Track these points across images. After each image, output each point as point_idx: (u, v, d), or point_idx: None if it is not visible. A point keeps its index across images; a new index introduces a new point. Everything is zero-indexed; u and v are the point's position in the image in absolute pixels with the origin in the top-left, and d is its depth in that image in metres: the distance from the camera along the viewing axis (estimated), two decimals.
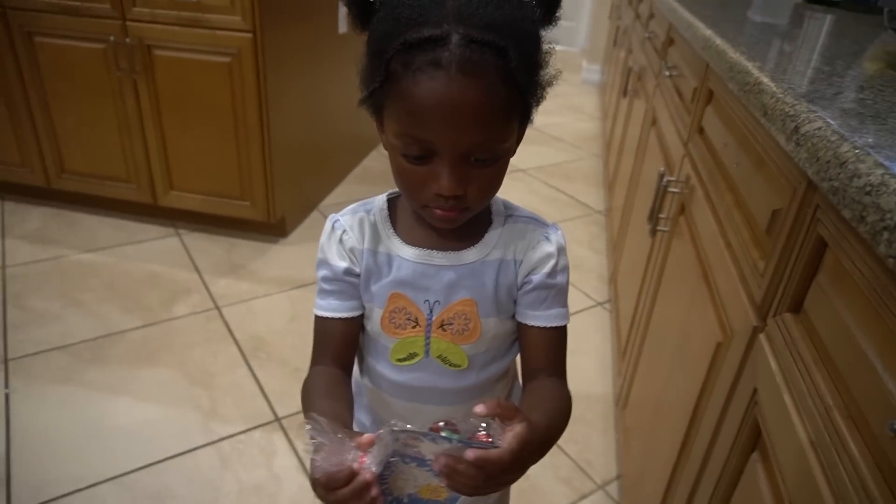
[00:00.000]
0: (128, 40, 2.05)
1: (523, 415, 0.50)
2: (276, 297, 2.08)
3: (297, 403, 1.64)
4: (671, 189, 1.23)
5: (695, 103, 1.19)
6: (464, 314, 0.66)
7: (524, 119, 0.60)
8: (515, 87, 0.54)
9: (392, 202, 0.70)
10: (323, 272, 0.69)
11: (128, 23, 2.03)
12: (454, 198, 0.57)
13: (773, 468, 0.60)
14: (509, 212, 0.70)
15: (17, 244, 2.26)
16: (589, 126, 4.07)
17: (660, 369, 1.18)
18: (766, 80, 0.73)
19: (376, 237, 0.68)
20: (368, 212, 0.69)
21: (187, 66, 2.06)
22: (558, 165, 3.36)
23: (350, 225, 0.69)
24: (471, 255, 0.66)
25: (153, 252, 2.29)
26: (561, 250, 0.68)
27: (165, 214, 2.47)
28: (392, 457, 0.50)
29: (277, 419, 1.59)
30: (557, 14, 0.59)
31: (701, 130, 1.14)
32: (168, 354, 1.79)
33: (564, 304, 0.69)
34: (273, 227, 2.40)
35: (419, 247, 0.66)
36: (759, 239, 0.75)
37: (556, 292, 0.68)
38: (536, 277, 0.67)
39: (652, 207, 1.29)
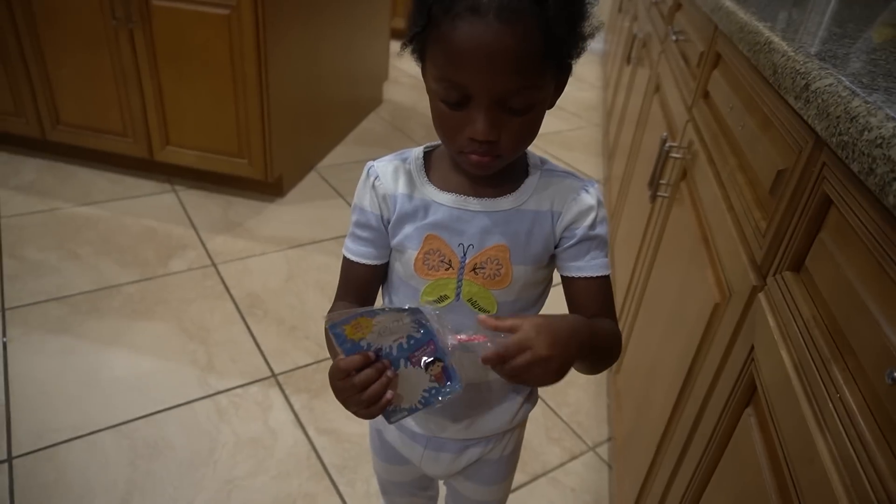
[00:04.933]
0: None
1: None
2: (272, 255, 2.09)
3: (293, 360, 1.66)
4: (673, 155, 1.22)
5: (701, 67, 1.18)
6: (496, 259, 0.67)
7: (562, 70, 0.61)
8: (552, 36, 0.54)
9: (428, 154, 0.71)
10: (356, 216, 0.72)
11: None
12: (487, 143, 0.59)
13: (766, 421, 0.62)
14: (546, 165, 0.71)
15: (12, 195, 2.25)
16: (590, 95, 4.04)
17: (654, 334, 1.20)
18: (776, 39, 0.72)
19: (411, 184, 0.69)
20: (405, 160, 0.71)
21: (185, 17, 2.02)
22: (558, 134, 3.35)
23: (384, 172, 0.70)
24: (506, 202, 0.67)
25: (149, 207, 2.28)
26: (600, 203, 0.69)
27: (161, 170, 2.45)
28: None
29: (274, 375, 1.61)
30: None
31: (706, 95, 1.14)
32: (165, 309, 1.79)
33: (605, 255, 0.70)
34: (270, 186, 2.38)
35: (455, 193, 0.68)
36: (761, 200, 0.75)
37: (597, 243, 0.69)
38: (579, 230, 0.68)
39: (653, 173, 1.29)
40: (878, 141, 0.45)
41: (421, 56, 0.61)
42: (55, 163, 2.49)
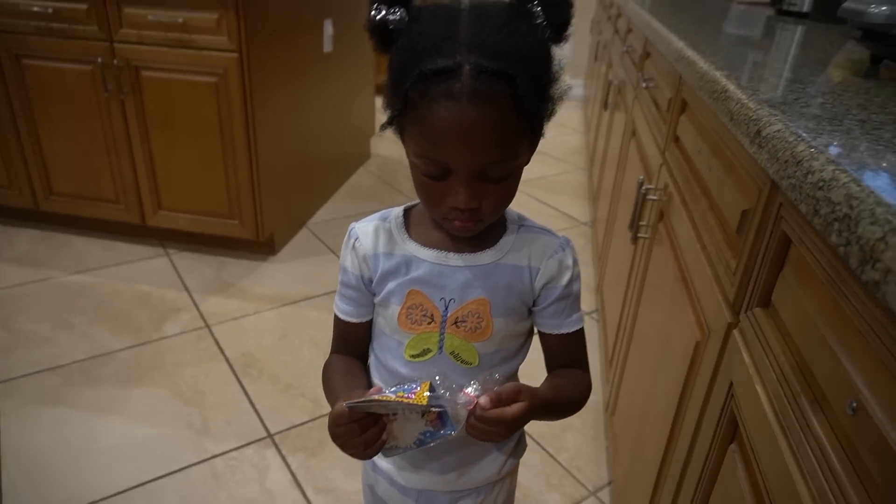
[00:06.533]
0: (115, 62, 2.07)
1: (526, 397, 0.63)
2: (266, 314, 2.10)
3: (289, 419, 1.65)
4: (650, 197, 1.26)
5: (670, 113, 1.23)
6: (477, 312, 0.70)
7: (535, 135, 0.64)
8: (524, 111, 0.58)
9: (408, 211, 0.75)
10: (340, 276, 0.76)
11: (115, 44, 2.06)
12: (469, 210, 0.62)
13: (749, 457, 0.63)
14: (522, 221, 0.74)
15: (6, 267, 2.26)
16: (573, 140, 4.13)
17: (645, 374, 1.21)
18: (732, 87, 0.76)
19: (392, 242, 0.72)
20: (385, 219, 0.74)
21: (174, 86, 2.09)
22: (544, 179, 3.41)
23: (364, 233, 0.73)
24: (485, 257, 0.70)
25: (143, 272, 2.29)
26: (575, 261, 0.73)
27: (154, 234, 2.48)
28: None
29: (270, 435, 1.60)
30: (567, 33, 0.63)
31: (677, 139, 1.18)
32: (159, 374, 1.79)
33: (579, 308, 0.75)
34: (262, 245, 2.41)
35: (436, 248, 0.70)
36: (730, 239, 0.78)
37: (573, 300, 0.74)
38: (556, 289, 0.72)
39: (632, 215, 1.32)
40: (820, 184, 0.47)
41: (401, 133, 0.64)
42: (49, 232, 2.51)
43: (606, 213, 2.12)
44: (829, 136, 0.56)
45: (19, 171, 2.34)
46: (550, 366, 0.77)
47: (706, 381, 0.78)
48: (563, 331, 0.73)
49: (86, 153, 2.28)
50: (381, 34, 0.61)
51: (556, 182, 3.39)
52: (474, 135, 0.57)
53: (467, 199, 0.61)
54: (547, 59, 0.62)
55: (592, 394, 1.90)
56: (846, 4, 0.88)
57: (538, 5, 0.60)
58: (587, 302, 2.24)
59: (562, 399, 0.72)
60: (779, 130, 0.59)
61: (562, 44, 0.64)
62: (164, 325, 2.00)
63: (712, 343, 0.77)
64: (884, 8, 0.77)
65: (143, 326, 1.99)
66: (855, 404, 0.44)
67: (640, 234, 1.32)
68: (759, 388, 0.60)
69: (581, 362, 0.77)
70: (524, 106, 0.57)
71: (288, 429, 1.62)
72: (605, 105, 2.60)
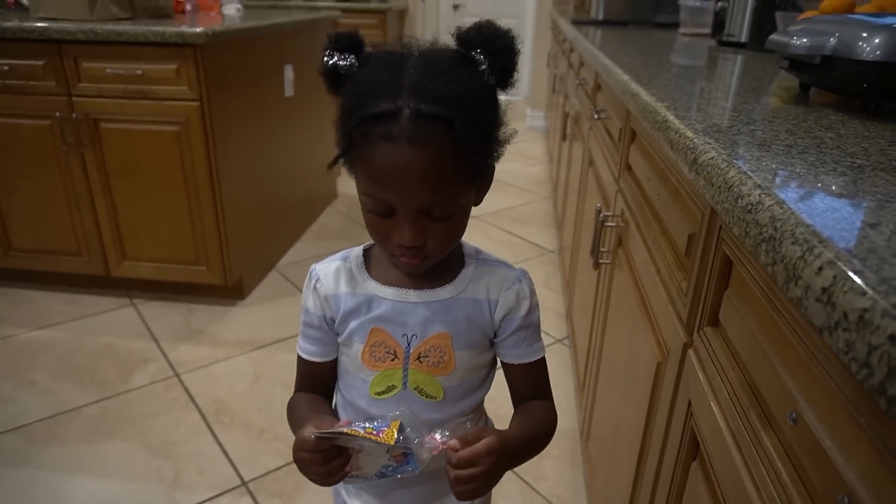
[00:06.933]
0: (74, 115, 2.07)
1: (490, 433, 0.63)
2: (237, 359, 2.07)
3: (263, 465, 1.62)
4: (608, 223, 1.30)
5: (622, 142, 1.28)
6: (439, 347, 0.71)
7: (481, 174, 0.67)
8: (463, 152, 0.60)
9: (368, 251, 0.77)
10: (303, 317, 0.77)
11: (74, 98, 2.06)
12: (414, 248, 0.64)
13: (709, 473, 0.64)
14: (479, 255, 0.77)
15: None
16: (537, 170, 4.21)
17: (613, 397, 1.23)
18: (671, 117, 0.80)
19: (353, 281, 0.74)
20: (345, 259, 0.76)
21: (135, 136, 2.09)
22: (511, 209, 3.46)
23: (325, 273, 0.75)
24: (445, 292, 0.72)
25: (108, 324, 2.25)
26: (532, 291, 0.76)
27: (119, 285, 2.44)
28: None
29: (244, 483, 1.57)
30: (513, 79, 0.66)
31: (629, 167, 1.23)
32: (128, 427, 1.75)
33: (540, 338, 0.77)
34: (231, 290, 2.39)
35: (396, 286, 0.72)
36: (681, 262, 0.81)
37: (532, 329, 0.76)
38: (515, 320, 0.74)
39: (593, 242, 1.36)
40: (749, 207, 0.51)
41: (350, 171, 0.66)
42: (8, 289, 2.46)
43: (571, 241, 2.16)
44: (757, 161, 0.59)
45: None
46: (515, 396, 0.78)
47: (668, 400, 0.80)
48: (526, 360, 0.75)
49: (46, 207, 2.25)
50: (333, 78, 0.65)
51: (522, 212, 3.44)
52: (413, 175, 0.59)
53: (411, 236, 0.63)
54: (490, 103, 0.65)
55: (568, 420, 1.91)
56: (772, 37, 0.94)
57: (481, 53, 0.63)
58: (559, 329, 2.27)
59: (531, 434, 0.73)
60: (712, 158, 0.62)
61: (508, 89, 0.67)
62: (132, 376, 1.96)
63: (671, 363, 0.80)
64: (805, 40, 0.83)
65: (109, 380, 1.94)
66: (794, 415, 0.46)
67: (601, 261, 1.35)
68: (713, 406, 0.63)
69: (545, 391, 0.78)
70: (463, 147, 0.59)
71: (263, 475, 1.59)
72: (563, 136, 2.67)
